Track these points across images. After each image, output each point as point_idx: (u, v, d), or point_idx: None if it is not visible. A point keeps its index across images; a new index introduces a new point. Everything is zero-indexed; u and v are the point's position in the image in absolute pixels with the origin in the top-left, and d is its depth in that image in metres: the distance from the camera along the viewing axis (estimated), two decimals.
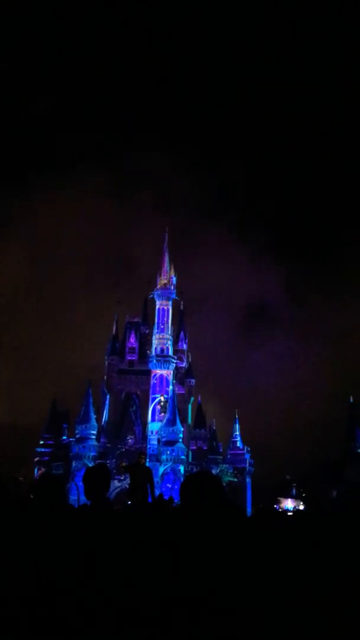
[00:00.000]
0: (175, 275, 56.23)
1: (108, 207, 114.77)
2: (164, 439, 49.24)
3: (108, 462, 45.53)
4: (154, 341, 54.15)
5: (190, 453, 53.07)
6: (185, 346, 60.30)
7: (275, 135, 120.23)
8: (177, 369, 55.88)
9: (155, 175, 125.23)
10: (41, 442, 54.20)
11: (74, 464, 48.71)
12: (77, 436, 50.29)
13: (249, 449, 56.17)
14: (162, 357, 53.17)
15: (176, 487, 43.00)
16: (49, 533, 2.76)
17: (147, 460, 46.99)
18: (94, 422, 50.85)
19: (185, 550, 2.23)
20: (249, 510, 48.07)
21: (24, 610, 2.34)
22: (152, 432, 51.04)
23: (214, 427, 56.22)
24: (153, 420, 51.88)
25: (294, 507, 46.95)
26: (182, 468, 48.07)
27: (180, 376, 57.44)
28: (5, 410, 63.61)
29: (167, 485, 45.28)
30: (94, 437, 50.50)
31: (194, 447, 54.77)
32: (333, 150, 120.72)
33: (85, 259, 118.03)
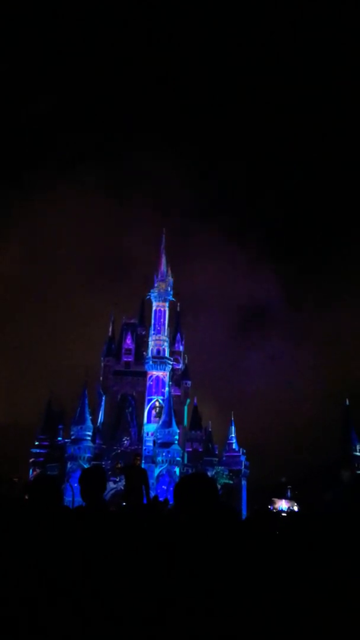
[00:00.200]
0: (172, 277, 56.27)
1: (107, 208, 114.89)
2: (159, 441, 49.21)
3: (103, 463, 45.47)
4: (150, 342, 54.12)
5: (185, 455, 53.04)
6: (181, 348, 60.30)
7: (274, 135, 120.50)
8: (173, 370, 55.86)
9: (154, 175, 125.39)
10: (36, 443, 54.05)
11: (69, 465, 48.63)
12: (73, 437, 50.21)
13: (244, 451, 56.21)
14: (159, 359, 53.15)
15: (171, 488, 42.87)
16: (45, 534, 2.75)
17: (143, 461, 46.96)
18: (89, 423, 50.78)
19: (180, 551, 2.23)
20: (244, 512, 48.08)
21: (21, 611, 2.34)
22: (147, 434, 51.00)
23: (210, 429, 56.25)
24: (149, 421, 51.84)
25: (288, 507, 47.02)
26: (177, 470, 48.05)
27: (177, 378, 57.43)
28: (0, 411, 63.49)
29: (163, 487, 45.25)
30: (89, 438, 50.42)
31: (190, 449, 54.74)
32: (332, 152, 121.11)
33: (83, 259, 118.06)
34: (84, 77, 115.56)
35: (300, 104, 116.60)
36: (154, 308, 55.37)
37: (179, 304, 60.18)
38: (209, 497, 2.40)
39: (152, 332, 54.40)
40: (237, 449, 56.11)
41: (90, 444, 50.20)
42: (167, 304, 55.45)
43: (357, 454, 53.31)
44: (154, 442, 49.63)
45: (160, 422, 50.21)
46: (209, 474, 47.33)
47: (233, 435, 57.28)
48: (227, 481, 51.97)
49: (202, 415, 57.49)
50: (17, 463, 52.41)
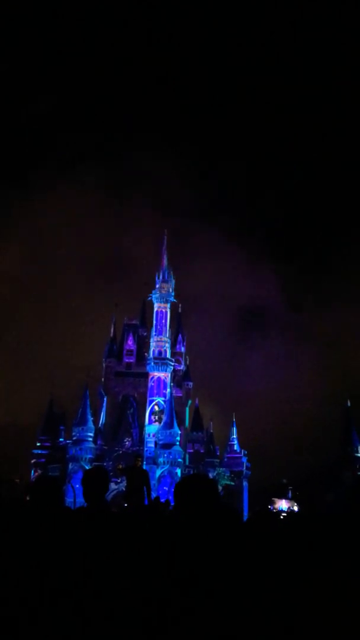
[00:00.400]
0: (173, 278, 56.27)
1: (107, 208, 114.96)
2: (161, 442, 49.20)
3: (105, 464, 45.45)
4: (152, 344, 54.12)
5: (187, 456, 53.01)
6: (183, 349, 60.30)
7: (274, 136, 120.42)
8: (174, 371, 55.84)
9: (154, 175, 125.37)
10: (38, 444, 54.05)
11: (70, 466, 48.61)
12: (74, 438, 50.20)
13: (246, 452, 56.16)
14: (160, 360, 53.14)
15: (173, 490, 42.88)
16: (46, 535, 2.76)
17: (144, 462, 46.85)
18: (91, 424, 50.77)
19: (180, 552, 2.24)
20: (245, 514, 48.05)
21: (22, 611, 2.35)
22: (149, 435, 50.98)
23: (211, 430, 56.23)
24: (150, 422, 51.83)
25: (289, 508, 47.00)
26: (179, 471, 48.03)
27: (178, 379, 57.42)
28: (1, 412, 63.53)
29: (164, 488, 45.22)
30: (90, 439, 50.41)
31: (191, 450, 54.71)
32: (333, 152, 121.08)
33: (84, 260, 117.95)
34: (84, 77, 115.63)
35: (300, 104, 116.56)
36: (155, 309, 55.36)
37: (180, 305, 60.25)
38: (209, 497, 2.41)
39: (153, 333, 54.39)
40: (238, 450, 56.08)
41: (91, 445, 50.19)
42: (168, 305, 55.45)
43: (358, 455, 53.27)
44: (156, 443, 49.61)
45: (162, 424, 50.20)
46: (211, 475, 47.31)
47: (234, 436, 57.25)
48: (228, 482, 51.94)
49: (203, 416, 57.50)
50: (18, 464, 52.43)
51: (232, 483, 52.60)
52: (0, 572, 2.53)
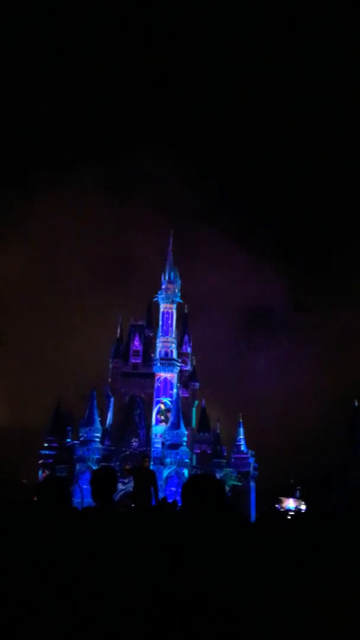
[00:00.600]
0: (179, 278, 56.28)
1: (108, 208, 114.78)
2: (168, 442, 49.23)
3: (112, 464, 45.53)
4: (158, 344, 54.14)
5: (194, 456, 52.99)
6: (189, 349, 60.25)
7: (276, 136, 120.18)
8: (181, 372, 55.84)
9: (155, 175, 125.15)
10: (45, 445, 54.18)
11: (77, 466, 48.72)
12: (81, 439, 50.30)
13: (253, 452, 56.04)
14: (166, 361, 53.15)
15: (180, 490, 42.87)
16: (52, 535, 2.79)
17: (151, 463, 46.86)
18: (98, 425, 50.86)
19: (186, 552, 2.27)
20: (253, 514, 47.98)
21: (25, 612, 2.38)
22: (156, 435, 51.01)
23: (218, 431, 56.13)
24: (157, 423, 51.86)
25: (296, 506, 46.85)
26: (186, 471, 48.03)
27: (185, 379, 57.38)
28: (8, 413, 63.71)
29: (172, 488, 45.24)
30: (98, 439, 50.50)
31: (198, 451, 54.65)
32: (336, 152, 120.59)
33: (87, 261, 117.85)
34: (84, 77, 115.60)
35: (300, 104, 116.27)
36: (161, 310, 55.37)
37: (186, 306, 60.24)
38: (215, 498, 2.44)
39: (159, 333, 54.41)
40: (245, 451, 55.96)
41: (99, 445, 50.28)
42: (174, 306, 55.45)
43: None
44: (163, 443, 49.64)
45: (169, 424, 50.22)
46: (218, 475, 47.28)
47: (241, 436, 57.12)
48: (235, 483, 51.86)
49: (210, 416, 57.38)
50: (26, 465, 52.60)
51: (240, 483, 52.51)
52: (5, 572, 2.57)
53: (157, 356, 53.48)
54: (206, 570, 2.22)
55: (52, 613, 2.37)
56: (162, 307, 55.26)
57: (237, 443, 56.69)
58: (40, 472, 51.91)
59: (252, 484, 54.36)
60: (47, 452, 53.64)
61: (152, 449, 49.52)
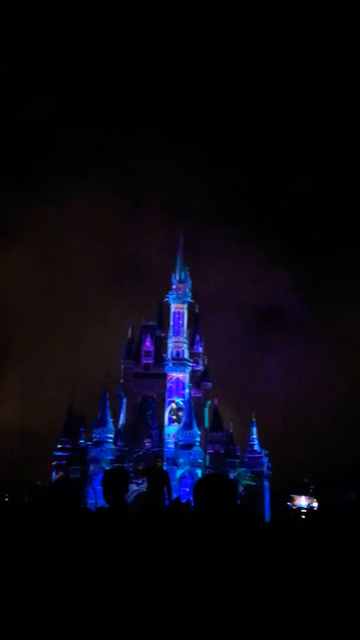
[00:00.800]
0: (190, 278, 56.27)
1: (117, 209, 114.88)
2: (180, 443, 49.23)
3: (125, 465, 45.64)
4: (169, 344, 54.17)
5: (207, 457, 52.95)
6: (200, 349, 60.19)
7: (283, 135, 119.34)
8: (193, 372, 55.80)
9: (164, 176, 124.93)
10: (58, 446, 54.43)
11: (91, 467, 48.90)
12: (94, 440, 50.48)
13: (266, 452, 55.84)
14: (178, 361, 53.16)
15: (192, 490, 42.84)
16: (58, 535, 2.79)
17: (164, 463, 47.00)
18: (110, 426, 51.01)
19: (199, 552, 2.26)
20: (267, 514, 47.84)
21: (26, 611, 2.38)
22: (168, 436, 51.05)
23: (231, 431, 55.98)
24: (169, 423, 51.89)
25: (308, 504, 46.62)
26: (199, 472, 48.01)
27: (196, 379, 57.33)
28: (21, 415, 64.10)
29: (185, 489, 45.23)
30: (111, 440, 50.66)
31: (211, 451, 54.59)
32: (346, 150, 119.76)
33: (96, 261, 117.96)
34: (84, 77, 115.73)
35: (304, 104, 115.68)
36: (172, 310, 55.38)
37: (197, 306, 60.18)
38: (227, 497, 2.43)
39: (171, 334, 54.44)
40: (259, 450, 55.76)
41: (111, 446, 50.43)
42: (185, 306, 55.44)
43: None
44: (176, 444, 49.66)
45: (181, 424, 50.23)
46: (231, 475, 47.23)
47: (255, 436, 56.92)
48: (249, 483, 51.73)
49: (222, 416, 57.31)
50: (40, 466, 52.89)
51: (253, 483, 52.36)
52: (15, 572, 2.57)
53: (169, 356, 53.51)
54: (218, 570, 2.21)
55: (56, 613, 2.37)
56: (173, 307, 55.27)
57: (250, 442, 56.50)
58: (54, 473, 52.19)
59: (266, 483, 54.16)
60: (60, 454, 53.89)
61: (165, 449, 49.55)
